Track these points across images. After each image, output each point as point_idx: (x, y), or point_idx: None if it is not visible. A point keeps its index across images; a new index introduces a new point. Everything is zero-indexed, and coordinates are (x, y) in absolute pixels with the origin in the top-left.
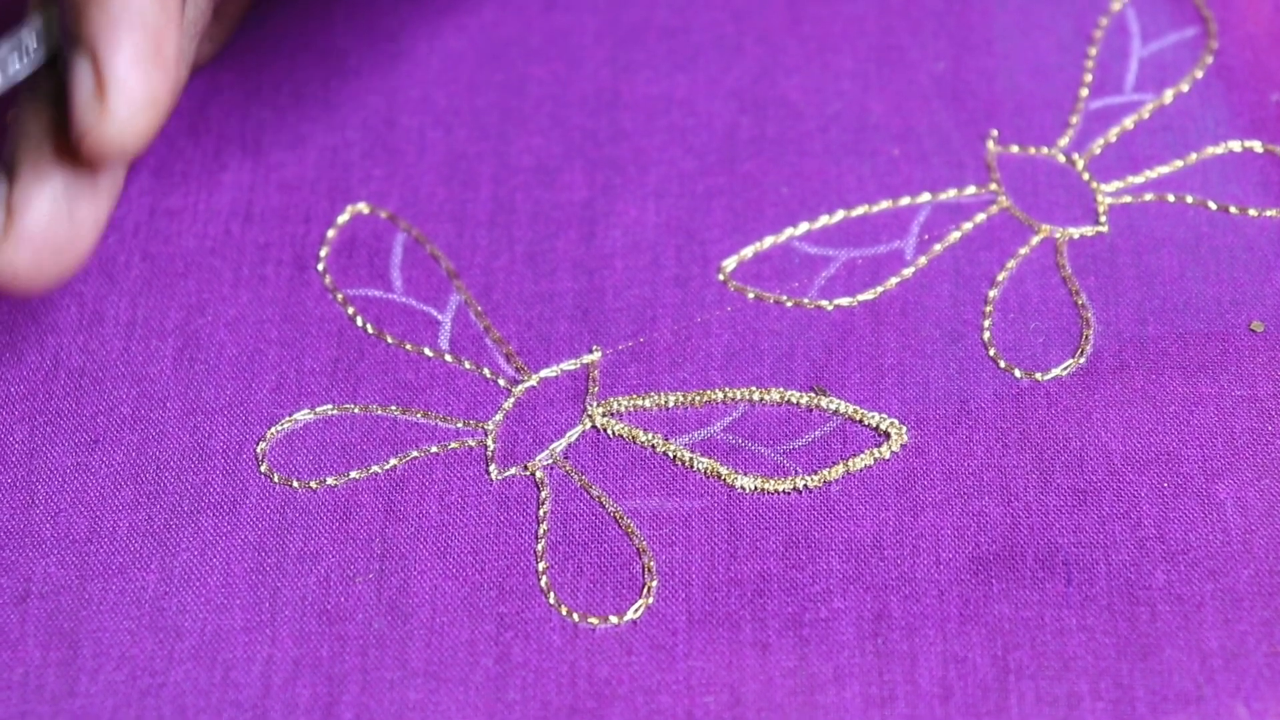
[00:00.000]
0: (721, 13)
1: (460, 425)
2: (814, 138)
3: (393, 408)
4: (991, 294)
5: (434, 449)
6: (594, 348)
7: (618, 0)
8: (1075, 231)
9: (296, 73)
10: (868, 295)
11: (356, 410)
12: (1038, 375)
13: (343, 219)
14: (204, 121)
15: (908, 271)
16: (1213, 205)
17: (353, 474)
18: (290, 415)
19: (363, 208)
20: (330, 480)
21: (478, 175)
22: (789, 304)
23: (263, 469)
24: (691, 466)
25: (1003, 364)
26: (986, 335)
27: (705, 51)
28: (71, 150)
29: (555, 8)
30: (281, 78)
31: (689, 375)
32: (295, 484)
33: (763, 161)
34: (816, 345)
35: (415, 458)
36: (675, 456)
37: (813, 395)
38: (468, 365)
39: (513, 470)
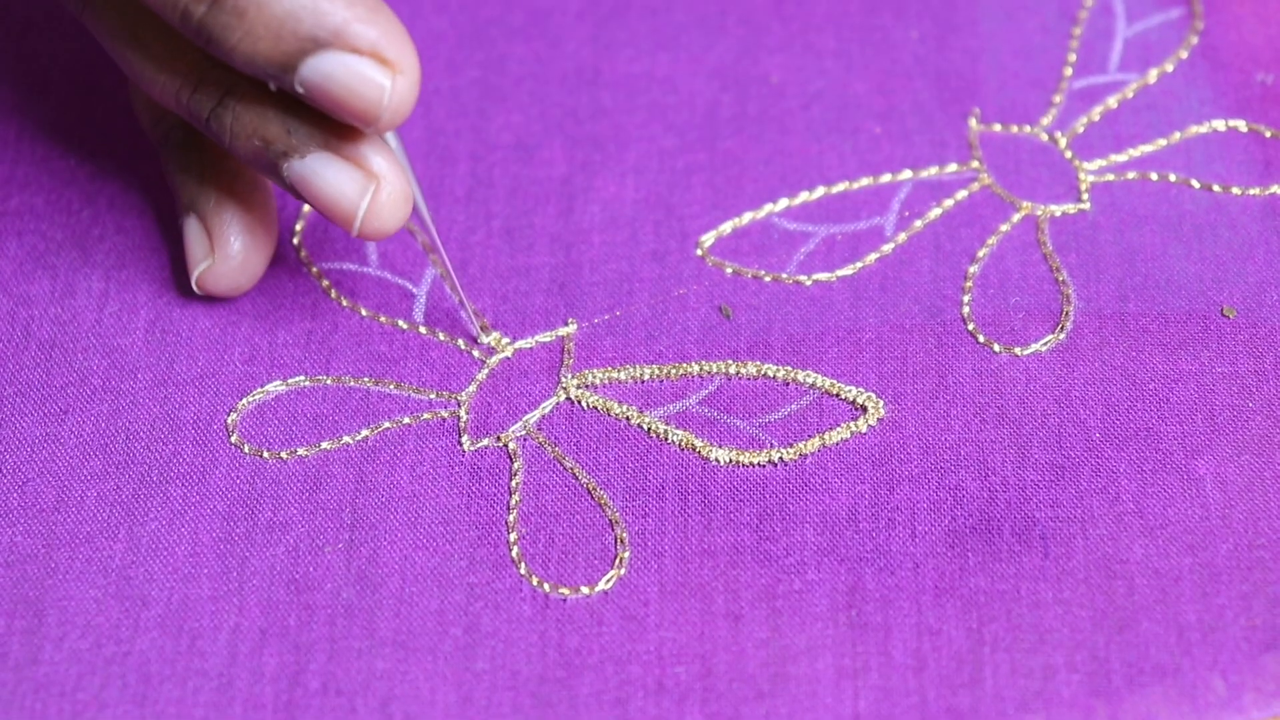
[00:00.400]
0: None
1: (433, 396)
2: (795, 115)
3: (365, 379)
4: (971, 270)
5: (406, 420)
6: (569, 320)
7: None
8: (1057, 209)
9: None
10: (847, 271)
11: (329, 381)
12: (1017, 350)
13: None
14: None
15: (887, 248)
16: (1195, 184)
17: (324, 444)
18: (262, 387)
19: None
20: (301, 451)
21: (455, 152)
22: (767, 279)
23: (233, 439)
24: (666, 439)
25: (982, 339)
26: (966, 310)
27: (687, 29)
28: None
29: None
30: None
31: (665, 349)
32: (265, 454)
33: (743, 139)
34: (794, 320)
35: (387, 429)
36: (650, 429)
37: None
38: (442, 337)
39: (485, 441)
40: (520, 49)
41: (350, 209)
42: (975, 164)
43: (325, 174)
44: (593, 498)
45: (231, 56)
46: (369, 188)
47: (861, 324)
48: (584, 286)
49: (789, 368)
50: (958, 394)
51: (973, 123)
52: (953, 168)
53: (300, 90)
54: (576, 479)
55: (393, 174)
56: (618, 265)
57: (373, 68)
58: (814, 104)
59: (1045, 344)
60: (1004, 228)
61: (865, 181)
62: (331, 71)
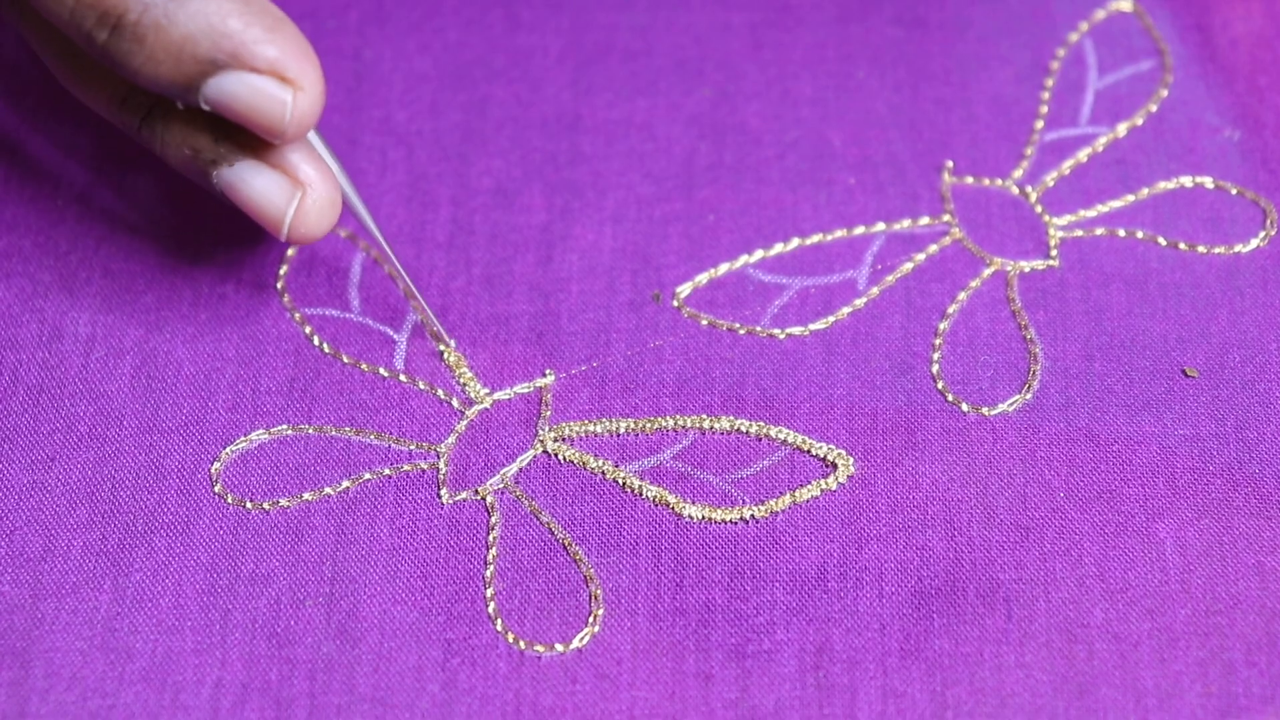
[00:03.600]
0: (683, 37)
1: (413, 447)
2: (771, 165)
3: (347, 429)
4: (942, 326)
5: (386, 471)
6: (547, 371)
7: (580, 22)
8: (1026, 265)
9: None
10: (820, 325)
11: (311, 431)
12: (985, 410)
13: None
14: None
15: (860, 302)
16: (1162, 241)
17: (305, 495)
18: (246, 435)
19: None
20: (283, 501)
21: (437, 196)
22: (741, 331)
23: (216, 489)
24: (641, 494)
25: (950, 397)
26: (936, 368)
27: (665, 76)
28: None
29: (519, 29)
30: None
31: (641, 401)
32: (249, 505)
33: (720, 188)
34: (767, 374)
35: (368, 480)
36: (625, 484)
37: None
38: (421, 385)
39: (463, 494)
40: (501, 92)
41: (278, 215)
42: (947, 217)
43: (253, 181)
44: (568, 553)
45: (136, 79)
46: (296, 194)
47: (833, 380)
48: (562, 336)
49: (761, 423)
50: (926, 452)
51: (945, 175)
52: (925, 221)
53: (206, 108)
54: (552, 534)
55: (319, 180)
56: (595, 315)
57: (273, 85)
58: (789, 152)
59: (1012, 404)
60: (974, 284)
61: (839, 233)
62: (233, 91)
